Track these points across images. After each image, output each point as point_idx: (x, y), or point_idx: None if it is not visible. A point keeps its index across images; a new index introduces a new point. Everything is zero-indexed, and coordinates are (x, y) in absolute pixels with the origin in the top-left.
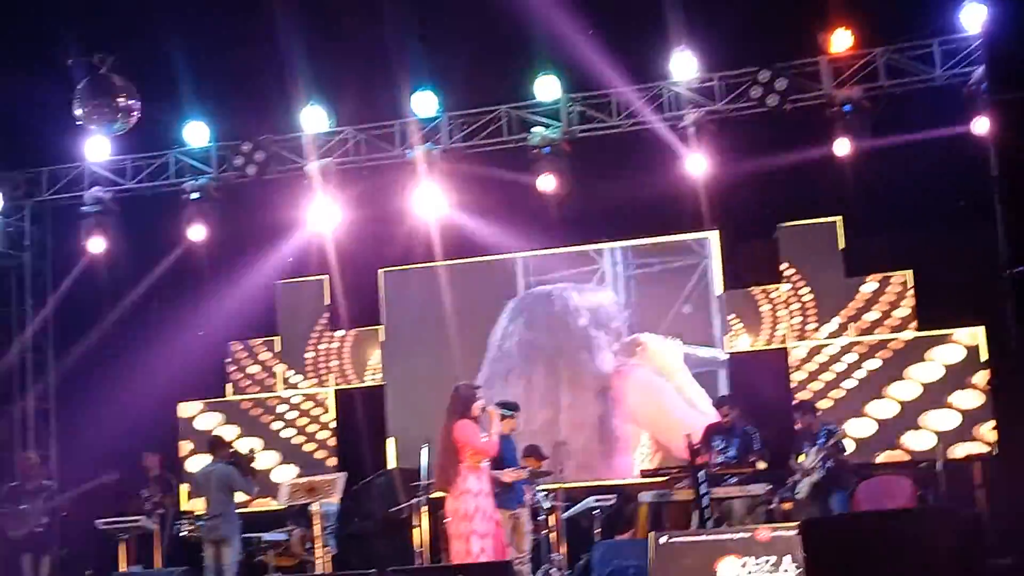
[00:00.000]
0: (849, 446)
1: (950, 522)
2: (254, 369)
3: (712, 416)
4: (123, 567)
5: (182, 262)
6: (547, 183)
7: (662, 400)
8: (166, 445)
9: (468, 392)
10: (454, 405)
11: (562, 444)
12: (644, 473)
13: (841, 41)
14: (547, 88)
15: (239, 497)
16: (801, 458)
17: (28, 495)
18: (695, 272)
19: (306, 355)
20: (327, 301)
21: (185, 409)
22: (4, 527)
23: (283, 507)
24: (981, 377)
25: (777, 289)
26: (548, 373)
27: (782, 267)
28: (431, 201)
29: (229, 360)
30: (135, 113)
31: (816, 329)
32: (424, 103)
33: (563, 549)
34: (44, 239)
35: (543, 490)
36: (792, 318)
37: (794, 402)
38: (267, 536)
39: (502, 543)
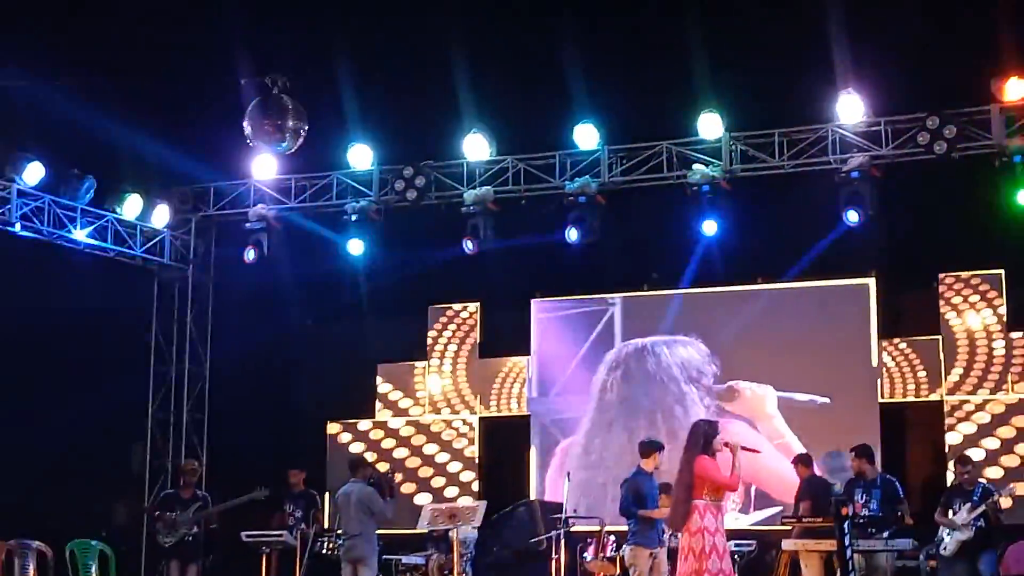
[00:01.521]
0: (1005, 505)
1: None
2: (400, 393)
3: None
4: None
5: (338, 281)
6: (705, 223)
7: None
8: (312, 462)
9: (709, 428)
10: (694, 440)
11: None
12: (785, 520)
13: (1015, 90)
14: (709, 126)
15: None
16: (951, 514)
17: (182, 504)
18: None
19: (453, 381)
20: (477, 328)
21: (332, 428)
22: (155, 533)
23: (423, 531)
24: None
25: (935, 339)
26: (649, 426)
27: (943, 317)
28: (589, 233)
29: (377, 382)
30: (303, 134)
31: (974, 383)
32: (585, 136)
33: None
34: (208, 253)
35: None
36: (949, 370)
37: (948, 457)
38: (405, 559)
39: None
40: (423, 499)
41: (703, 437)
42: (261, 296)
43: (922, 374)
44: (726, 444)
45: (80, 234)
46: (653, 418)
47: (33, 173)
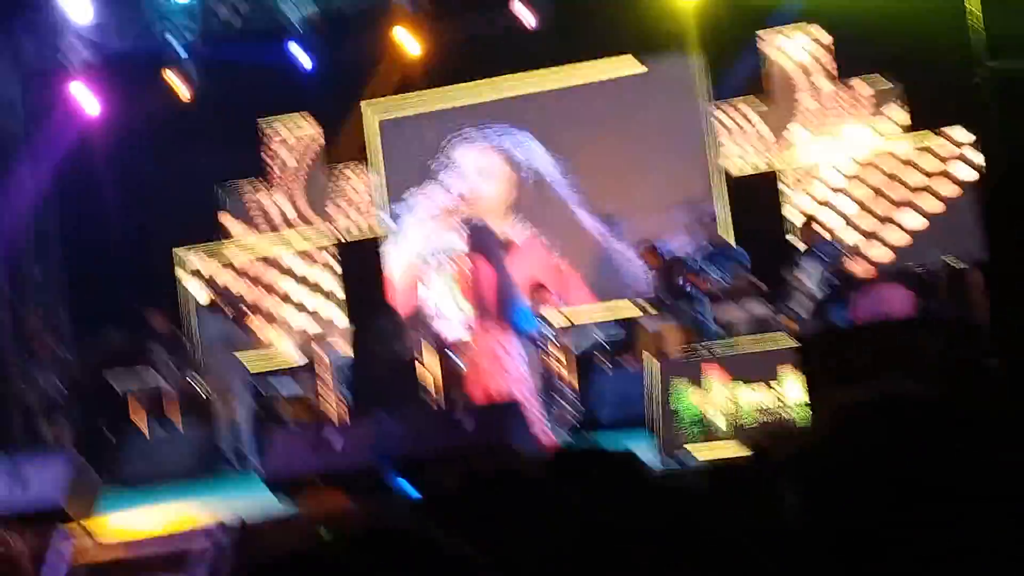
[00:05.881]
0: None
1: (945, 330)
2: (245, 214)
3: None
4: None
5: (167, 113)
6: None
7: None
8: (168, 298)
9: None
10: None
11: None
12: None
13: None
14: None
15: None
16: (800, 275)
17: None
18: None
19: (296, 197)
20: (311, 138)
21: (180, 256)
22: None
23: (293, 360)
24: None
25: (764, 102)
26: None
27: (767, 77)
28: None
29: (218, 204)
30: None
31: (808, 141)
32: None
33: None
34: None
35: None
36: (780, 133)
37: (789, 220)
38: (278, 388)
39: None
40: (286, 326)
41: None
42: (94, 137)
43: (752, 141)
44: None
45: None
46: None
47: None
